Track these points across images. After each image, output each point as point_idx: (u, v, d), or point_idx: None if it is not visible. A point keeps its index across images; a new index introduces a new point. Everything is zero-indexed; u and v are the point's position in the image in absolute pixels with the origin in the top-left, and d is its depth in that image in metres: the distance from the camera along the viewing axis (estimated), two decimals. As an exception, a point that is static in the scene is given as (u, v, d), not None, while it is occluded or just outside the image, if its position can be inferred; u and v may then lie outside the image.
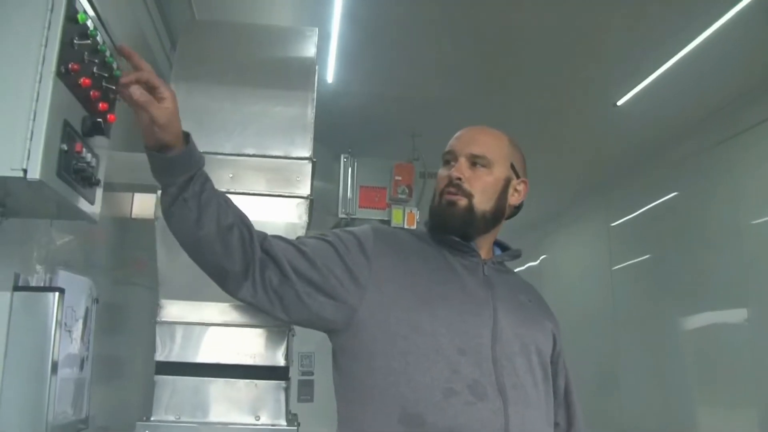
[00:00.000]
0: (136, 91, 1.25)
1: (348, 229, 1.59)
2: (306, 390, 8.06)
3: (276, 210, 2.00)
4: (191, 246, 1.44)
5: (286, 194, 2.01)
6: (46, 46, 1.11)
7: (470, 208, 1.57)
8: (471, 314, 1.45)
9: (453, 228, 1.58)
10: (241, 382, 1.91)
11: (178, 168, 1.39)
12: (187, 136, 1.41)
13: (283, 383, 1.94)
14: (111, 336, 2.35)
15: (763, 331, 4.11)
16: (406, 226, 4.10)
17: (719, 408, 4.64)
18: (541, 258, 8.12)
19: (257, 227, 2.00)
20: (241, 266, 1.42)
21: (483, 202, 1.59)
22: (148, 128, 1.33)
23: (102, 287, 2.03)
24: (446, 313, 1.43)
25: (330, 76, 3.86)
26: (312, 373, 8.31)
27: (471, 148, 1.63)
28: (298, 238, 1.55)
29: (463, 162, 1.61)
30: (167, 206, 1.41)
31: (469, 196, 1.58)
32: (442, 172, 1.64)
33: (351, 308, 1.45)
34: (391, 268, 1.49)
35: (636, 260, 5.94)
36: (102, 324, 2.10)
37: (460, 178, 1.58)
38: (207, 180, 1.45)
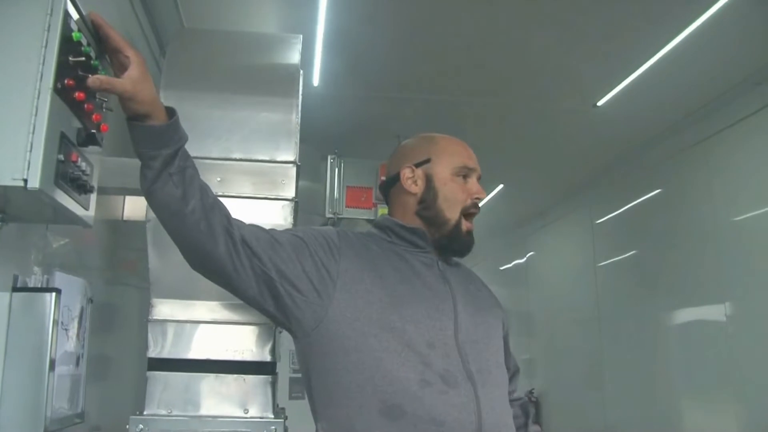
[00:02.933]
0: (95, 82, 1.26)
1: (314, 228, 1.59)
2: (297, 387, 8.14)
3: (262, 212, 2.08)
4: (175, 223, 1.40)
5: (272, 197, 2.09)
6: (43, 64, 1.19)
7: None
8: (435, 309, 1.51)
9: (465, 254, 1.65)
10: (230, 377, 1.99)
11: (162, 139, 1.35)
12: (171, 111, 1.39)
13: (270, 378, 2.02)
14: (104, 335, 2.42)
15: (743, 327, 4.19)
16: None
17: (702, 403, 4.72)
18: (527, 255, 8.20)
19: (245, 228, 2.10)
20: (225, 248, 1.41)
21: None
22: (120, 101, 1.31)
23: (96, 288, 2.11)
24: (413, 310, 1.47)
25: (316, 80, 3.94)
26: (303, 371, 8.40)
27: (479, 169, 1.70)
28: (269, 230, 1.53)
29: (478, 183, 1.68)
30: (151, 181, 1.36)
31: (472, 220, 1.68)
32: (462, 185, 1.65)
33: (321, 307, 1.46)
34: (358, 270, 1.50)
35: (620, 257, 6.01)
36: (96, 323, 2.17)
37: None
38: (189, 157, 1.42)
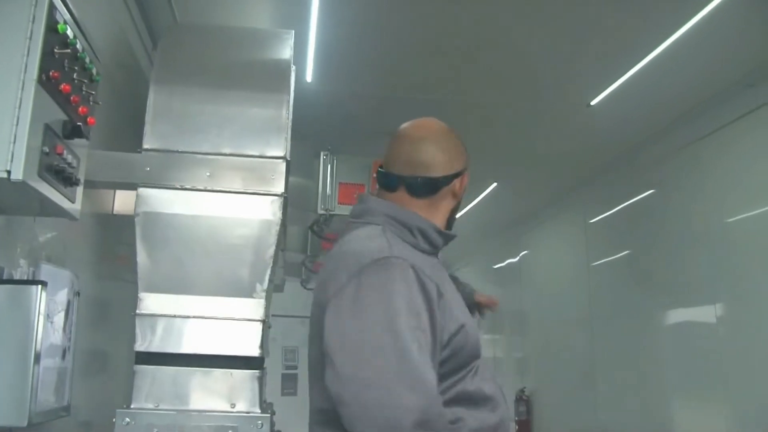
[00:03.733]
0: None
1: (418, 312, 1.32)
2: (290, 384, 8.17)
3: (251, 207, 2.09)
4: None
5: (261, 192, 2.10)
6: (27, 56, 1.19)
7: None
8: (470, 313, 1.58)
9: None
10: (218, 372, 2.00)
11: None
12: None
13: (257, 373, 2.03)
14: (96, 329, 2.42)
15: (734, 329, 4.20)
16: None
17: (693, 403, 4.73)
18: (520, 254, 8.21)
19: (233, 223, 2.11)
20: None
21: None
22: None
23: (87, 282, 2.11)
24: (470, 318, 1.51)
25: (309, 76, 3.93)
26: (296, 367, 8.42)
27: None
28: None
29: None
30: None
31: None
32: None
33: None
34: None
35: (613, 257, 6.02)
36: (88, 318, 2.18)
37: None
38: None
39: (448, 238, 1.55)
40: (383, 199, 1.55)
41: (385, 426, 1.18)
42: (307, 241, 5.23)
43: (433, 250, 1.53)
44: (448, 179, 1.54)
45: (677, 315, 4.93)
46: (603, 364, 6.01)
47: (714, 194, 4.47)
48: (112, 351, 2.66)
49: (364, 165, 4.25)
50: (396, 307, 1.28)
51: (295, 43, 2.38)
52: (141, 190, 2.06)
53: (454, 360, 1.37)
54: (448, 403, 1.34)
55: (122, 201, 2.51)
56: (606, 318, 6.00)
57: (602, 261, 6.21)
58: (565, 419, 6.78)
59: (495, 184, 6.52)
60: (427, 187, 1.54)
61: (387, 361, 1.22)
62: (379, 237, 1.42)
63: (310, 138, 3.68)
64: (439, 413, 1.25)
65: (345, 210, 4.20)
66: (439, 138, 1.58)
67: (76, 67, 1.36)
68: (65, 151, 1.34)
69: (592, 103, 4.39)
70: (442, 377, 1.34)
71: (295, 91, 2.55)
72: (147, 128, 2.08)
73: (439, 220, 1.55)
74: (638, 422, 5.27)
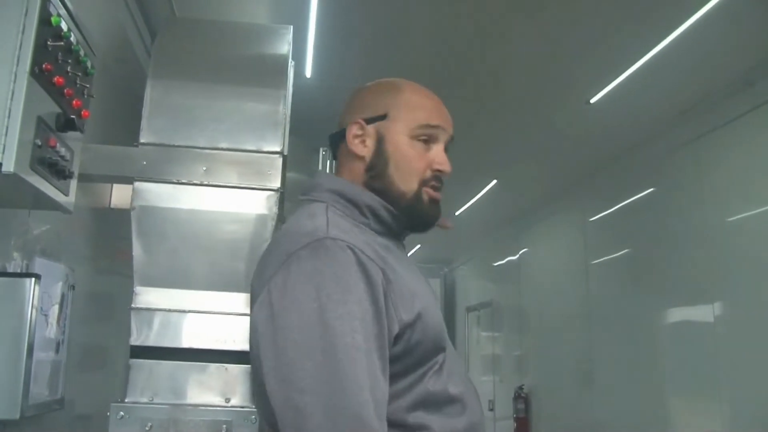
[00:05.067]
0: None
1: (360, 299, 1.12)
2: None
3: (247, 202, 2.09)
4: None
5: (258, 187, 2.10)
6: (20, 48, 1.19)
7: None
8: (434, 299, 1.32)
9: (429, 228, 1.36)
10: (212, 366, 2.00)
11: None
12: None
13: (252, 368, 2.03)
14: (92, 324, 2.42)
15: (732, 328, 4.20)
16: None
17: (690, 402, 4.74)
18: (520, 252, 8.21)
19: (230, 218, 2.11)
20: None
21: None
22: None
23: (83, 276, 2.11)
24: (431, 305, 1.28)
25: (308, 71, 3.93)
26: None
27: (452, 129, 1.37)
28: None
29: (444, 151, 1.35)
30: None
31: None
32: (420, 150, 1.31)
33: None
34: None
35: (612, 256, 6.02)
36: (83, 312, 2.18)
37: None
38: None
39: (399, 221, 1.31)
40: (334, 174, 1.38)
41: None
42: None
43: (389, 232, 1.32)
44: (340, 134, 1.35)
45: (675, 314, 4.93)
46: (601, 362, 6.02)
47: (713, 193, 4.47)
48: (107, 345, 2.66)
49: (363, 161, 4.24)
50: (329, 297, 1.08)
51: (294, 38, 2.38)
52: (137, 184, 2.06)
53: (410, 355, 1.17)
54: (409, 408, 1.17)
55: (119, 195, 2.50)
56: (604, 316, 6.01)
57: (601, 259, 6.21)
58: (563, 416, 6.79)
59: (495, 182, 6.52)
60: (332, 149, 1.41)
61: (318, 360, 1.06)
62: (319, 216, 1.22)
63: (309, 134, 3.67)
64: (380, 415, 1.07)
65: (343, 206, 4.19)
66: (360, 89, 1.41)
67: (69, 60, 1.35)
68: (58, 144, 1.34)
69: (592, 101, 4.39)
70: (397, 376, 1.16)
71: (294, 86, 2.55)
72: (144, 122, 2.08)
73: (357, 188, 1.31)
74: (636, 420, 5.28)
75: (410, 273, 1.26)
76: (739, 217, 4.20)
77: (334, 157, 1.41)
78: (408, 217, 1.30)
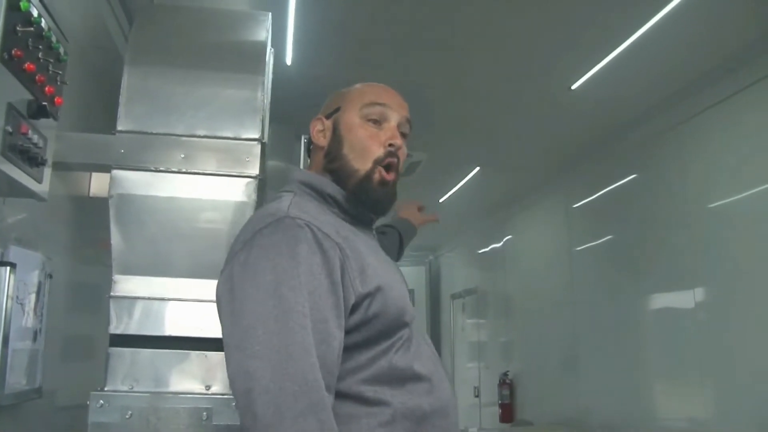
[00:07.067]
0: None
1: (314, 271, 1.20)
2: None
3: (226, 189, 2.09)
4: None
5: (236, 174, 2.09)
6: (-12, 34, 1.18)
7: (396, 186, 1.45)
8: (401, 282, 1.41)
9: (383, 211, 1.46)
10: (193, 354, 2.00)
11: None
12: None
13: (233, 355, 2.03)
14: (75, 314, 2.41)
15: (715, 313, 4.23)
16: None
17: (674, 388, 4.77)
18: (504, 239, 8.24)
19: (208, 205, 2.10)
20: None
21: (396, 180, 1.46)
22: None
23: (61, 265, 2.10)
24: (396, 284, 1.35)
25: (289, 59, 3.91)
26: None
27: (406, 113, 1.49)
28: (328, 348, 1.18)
29: (396, 128, 1.46)
30: None
31: (397, 171, 1.46)
32: (372, 130, 1.44)
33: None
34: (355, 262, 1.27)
35: (595, 242, 6.05)
36: (62, 301, 2.17)
37: (399, 151, 1.45)
38: None
39: (353, 203, 1.41)
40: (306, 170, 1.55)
41: (268, 399, 1.07)
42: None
43: (356, 221, 1.43)
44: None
45: (658, 299, 4.97)
46: (585, 348, 6.06)
47: (696, 179, 4.49)
48: (89, 335, 2.65)
49: (344, 148, 4.23)
50: (284, 270, 1.16)
51: (274, 26, 2.37)
52: (115, 172, 2.05)
53: (370, 326, 1.23)
54: (368, 381, 1.23)
55: (98, 184, 2.48)
56: (588, 303, 6.04)
57: (585, 246, 6.23)
58: (547, 403, 6.84)
59: (478, 169, 6.52)
60: (307, 150, 1.58)
61: (270, 328, 1.12)
62: (284, 200, 1.32)
63: (291, 121, 3.65)
64: (329, 378, 1.14)
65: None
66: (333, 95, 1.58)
67: (41, 46, 1.34)
68: (30, 131, 1.33)
69: (573, 87, 4.39)
70: (357, 347, 1.23)
71: (274, 74, 2.54)
72: (121, 110, 2.07)
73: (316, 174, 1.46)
74: (620, 406, 5.33)
75: (375, 255, 1.36)
76: (720, 203, 4.22)
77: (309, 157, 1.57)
78: (357, 195, 1.41)
